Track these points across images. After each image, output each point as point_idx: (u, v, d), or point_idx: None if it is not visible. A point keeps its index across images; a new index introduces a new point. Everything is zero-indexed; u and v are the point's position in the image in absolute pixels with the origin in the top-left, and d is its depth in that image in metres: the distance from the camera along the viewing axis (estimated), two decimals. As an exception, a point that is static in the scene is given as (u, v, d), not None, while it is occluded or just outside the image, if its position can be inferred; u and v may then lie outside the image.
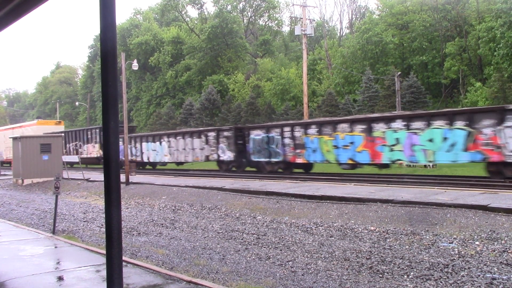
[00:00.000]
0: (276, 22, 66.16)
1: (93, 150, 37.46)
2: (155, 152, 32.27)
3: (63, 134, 37.77)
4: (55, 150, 26.75)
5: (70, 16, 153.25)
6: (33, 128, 44.47)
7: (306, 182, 19.03)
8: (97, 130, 37.38)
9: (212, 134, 27.51)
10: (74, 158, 34.73)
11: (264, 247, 9.27)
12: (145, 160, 33.70)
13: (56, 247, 9.25)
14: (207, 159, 27.97)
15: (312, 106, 41.51)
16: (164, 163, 32.62)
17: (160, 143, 31.67)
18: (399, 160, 19.06)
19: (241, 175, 23.97)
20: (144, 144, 33.51)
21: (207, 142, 27.78)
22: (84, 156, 37.46)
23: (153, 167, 34.95)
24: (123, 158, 32.98)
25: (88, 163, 38.11)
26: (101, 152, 29.79)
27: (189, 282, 6.53)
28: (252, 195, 15.63)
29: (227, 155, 26.47)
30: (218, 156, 27.07)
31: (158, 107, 59.42)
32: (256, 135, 24.92)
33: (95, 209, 16.06)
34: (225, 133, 26.72)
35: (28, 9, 4.94)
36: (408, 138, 18.17)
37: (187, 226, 11.97)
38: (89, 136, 38.33)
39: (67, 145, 40.81)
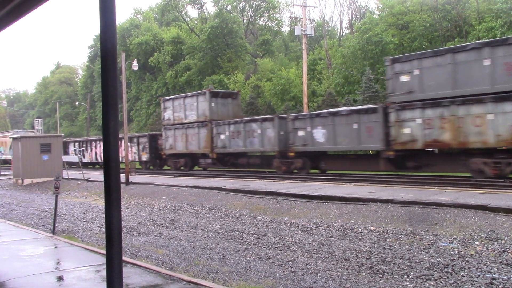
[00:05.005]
0: (276, 22, 66.10)
1: None
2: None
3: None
4: (55, 150, 26.76)
5: (70, 16, 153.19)
6: None
7: (306, 182, 19.02)
8: None
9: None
10: (74, 158, 34.50)
11: (264, 247, 9.27)
12: None
13: (56, 247, 9.25)
14: None
15: (312, 106, 41.48)
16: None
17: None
18: None
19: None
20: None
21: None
22: None
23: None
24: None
25: None
26: None
27: (189, 282, 6.52)
28: (252, 195, 15.63)
29: None
30: None
31: (158, 107, 59.32)
32: None
33: (95, 209, 16.05)
34: None
35: (28, 9, 4.94)
36: None
37: (187, 226, 11.97)
38: None
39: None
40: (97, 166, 40.93)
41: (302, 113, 24.05)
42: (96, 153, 39.45)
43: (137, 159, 34.12)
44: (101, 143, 39.25)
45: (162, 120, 31.34)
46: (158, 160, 32.86)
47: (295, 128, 21.93)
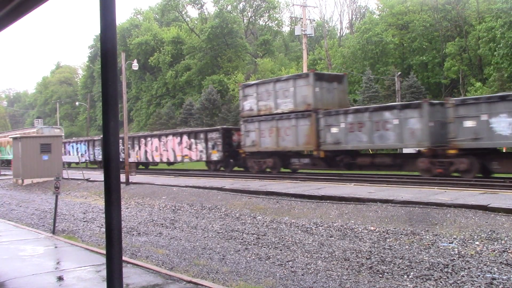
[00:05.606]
0: (276, 22, 66.16)
1: None
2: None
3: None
4: (55, 150, 26.76)
5: (70, 16, 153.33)
6: None
7: (306, 182, 19.02)
8: None
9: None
10: (74, 158, 34.52)
11: (264, 247, 9.27)
12: None
13: (56, 247, 9.25)
14: None
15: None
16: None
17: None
18: None
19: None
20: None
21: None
22: None
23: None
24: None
25: None
26: None
27: (189, 282, 6.53)
28: (252, 195, 15.63)
29: None
30: None
31: (158, 107, 59.43)
32: None
33: (95, 209, 16.05)
34: None
35: (28, 9, 4.94)
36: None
37: (187, 226, 11.97)
38: None
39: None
40: (141, 167, 34.08)
41: (472, 97, 18.97)
42: (146, 152, 32.27)
43: (203, 159, 27.74)
44: (148, 140, 31.34)
45: (241, 111, 25.66)
46: (232, 160, 26.77)
47: (459, 116, 16.44)
